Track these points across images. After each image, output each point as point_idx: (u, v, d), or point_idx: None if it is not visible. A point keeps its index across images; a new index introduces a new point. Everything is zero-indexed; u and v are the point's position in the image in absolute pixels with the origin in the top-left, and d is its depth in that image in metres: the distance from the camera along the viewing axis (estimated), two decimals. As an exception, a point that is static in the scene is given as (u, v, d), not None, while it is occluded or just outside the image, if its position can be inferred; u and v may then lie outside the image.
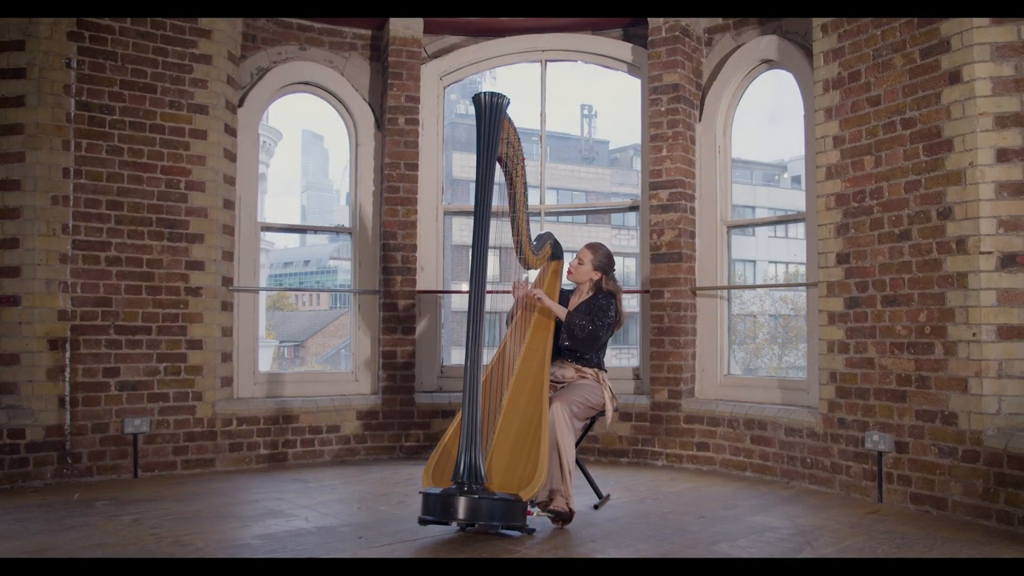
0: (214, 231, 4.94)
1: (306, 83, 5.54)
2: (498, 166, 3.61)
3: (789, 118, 55.04)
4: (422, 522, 3.28)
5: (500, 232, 3.75)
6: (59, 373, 4.48)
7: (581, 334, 3.79)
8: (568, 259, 4.17)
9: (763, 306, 25.30)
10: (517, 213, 3.79)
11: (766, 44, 5.01)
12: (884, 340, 4.07)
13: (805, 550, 3.23)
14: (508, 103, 3.53)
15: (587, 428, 3.95)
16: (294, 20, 5.46)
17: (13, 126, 4.45)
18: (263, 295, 9.13)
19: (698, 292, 5.28)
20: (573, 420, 3.66)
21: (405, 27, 5.51)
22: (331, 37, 5.59)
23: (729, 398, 5.12)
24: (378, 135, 5.65)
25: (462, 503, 3.18)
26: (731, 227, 5.37)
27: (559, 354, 3.92)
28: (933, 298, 3.85)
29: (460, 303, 5.96)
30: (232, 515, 3.81)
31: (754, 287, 25.04)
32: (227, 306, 5.08)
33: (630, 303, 4.96)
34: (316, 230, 31.92)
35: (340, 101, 5.63)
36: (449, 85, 5.88)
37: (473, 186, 3.51)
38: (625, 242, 30.97)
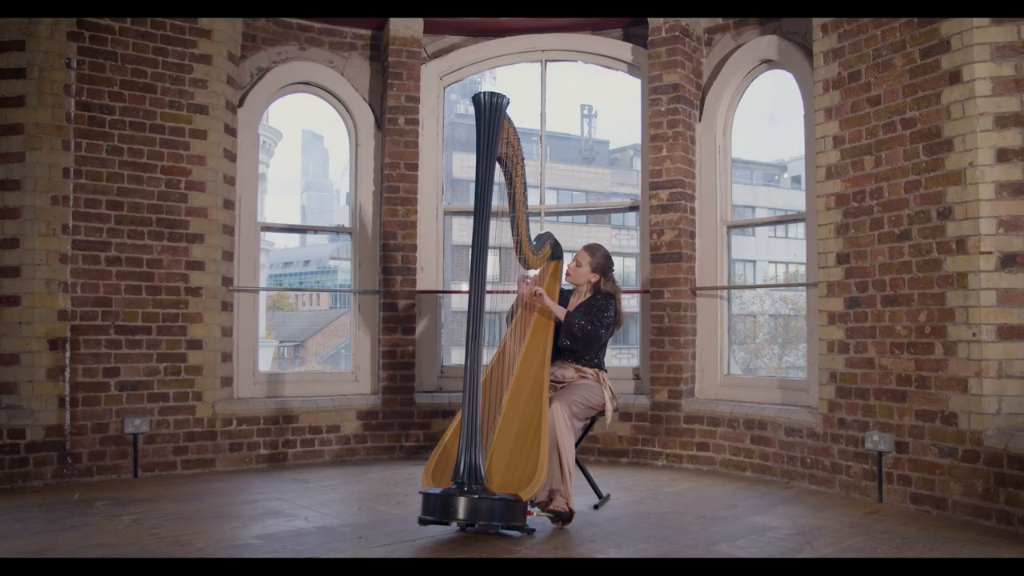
0: (214, 231, 4.94)
1: (306, 83, 5.54)
2: (498, 166, 3.61)
3: (789, 118, 55.12)
4: (422, 522, 3.28)
5: (500, 232, 3.75)
6: (59, 373, 4.48)
7: (580, 334, 3.79)
8: (568, 259, 4.17)
9: (763, 306, 25.30)
10: (517, 213, 3.79)
11: (766, 44, 5.01)
12: (884, 340, 4.07)
13: (805, 550, 3.23)
14: (508, 103, 3.53)
15: (587, 428, 3.95)
16: (294, 20, 5.46)
17: (13, 126, 4.45)
18: (263, 295, 9.13)
19: (698, 292, 5.28)
20: (573, 420, 3.66)
21: (405, 27, 5.51)
22: (331, 37, 5.59)
23: (729, 398, 5.12)
24: (378, 135, 5.65)
25: (462, 503, 3.18)
26: (731, 227, 5.37)
27: (559, 354, 3.92)
28: (933, 298, 3.85)
29: (460, 303, 5.97)
30: (232, 515, 3.81)
31: (754, 287, 25.04)
32: (227, 306, 5.08)
33: (630, 303, 4.97)
34: (316, 230, 31.93)
35: (340, 101, 5.63)
36: (449, 85, 5.88)
37: (473, 186, 3.51)
38: (625, 242, 30.98)
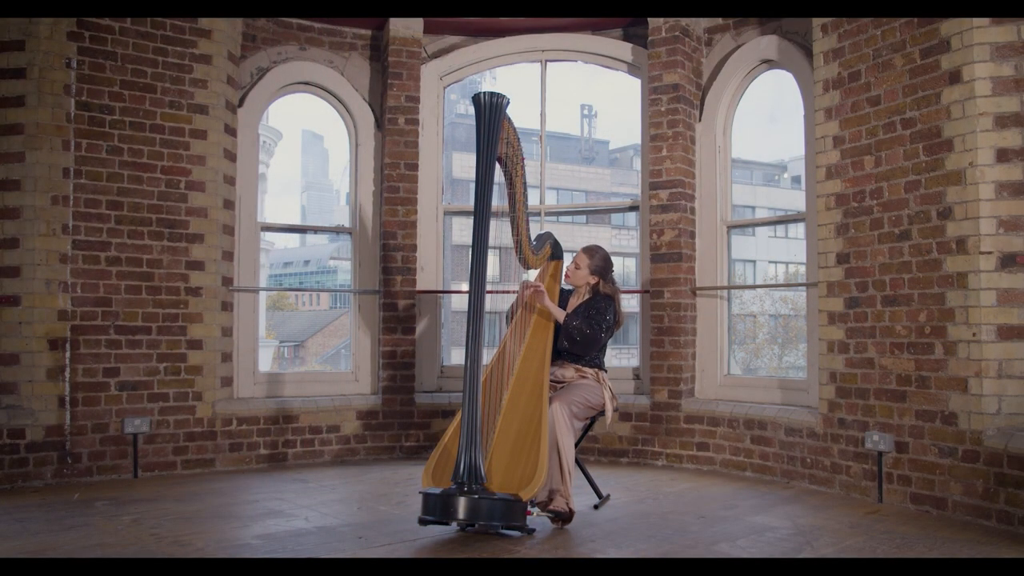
0: (214, 231, 4.94)
1: (306, 83, 5.54)
2: (498, 166, 3.61)
3: (789, 118, 55.12)
4: (422, 522, 3.28)
5: (500, 232, 3.75)
6: (59, 373, 4.48)
7: (579, 337, 3.79)
8: (568, 259, 4.17)
9: (763, 306, 25.30)
10: (517, 213, 3.79)
11: (766, 44, 5.01)
12: (884, 340, 4.07)
13: (805, 550, 3.23)
14: (508, 103, 3.53)
15: (587, 428, 3.95)
16: (294, 20, 5.46)
17: (13, 126, 4.45)
18: (263, 295, 9.13)
19: (698, 292, 5.28)
20: (573, 420, 3.66)
21: (405, 27, 5.51)
22: (331, 37, 5.59)
23: (729, 398, 5.12)
24: (378, 135, 5.65)
25: (462, 503, 3.18)
26: (731, 227, 5.37)
27: (559, 354, 3.91)
28: (933, 298, 3.85)
29: (460, 303, 5.97)
30: (232, 515, 3.81)
31: (754, 287, 25.04)
32: (227, 306, 5.08)
33: (630, 303, 4.97)
34: (316, 230, 31.93)
35: (340, 101, 5.63)
36: (449, 85, 5.87)
37: (473, 186, 3.51)
38: (625, 242, 30.97)
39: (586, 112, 38.92)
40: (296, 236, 44.84)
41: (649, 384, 5.26)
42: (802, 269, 5.10)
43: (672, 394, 5.14)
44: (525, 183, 3.85)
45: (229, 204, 5.11)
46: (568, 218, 19.49)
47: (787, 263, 31.03)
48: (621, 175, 35.49)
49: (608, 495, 4.09)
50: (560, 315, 3.87)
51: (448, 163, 28.30)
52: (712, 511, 3.90)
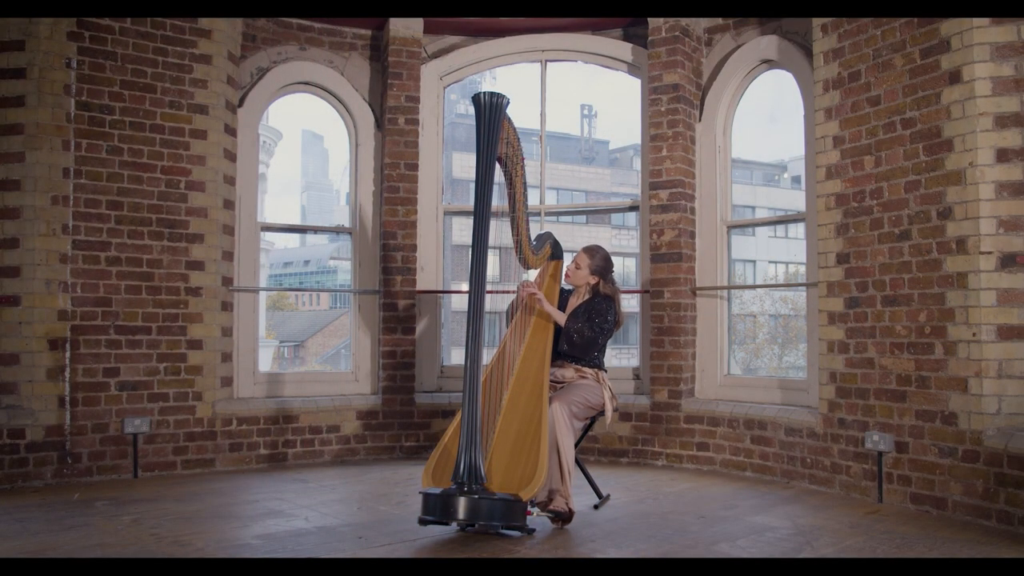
0: (214, 231, 4.94)
1: (306, 83, 5.54)
2: (498, 166, 3.61)
3: (789, 118, 55.10)
4: (422, 522, 3.28)
5: (500, 232, 3.75)
6: (59, 373, 4.48)
7: (579, 340, 3.79)
8: (568, 259, 4.17)
9: (763, 306, 25.30)
10: (517, 213, 3.79)
11: (766, 44, 5.01)
12: (884, 340, 4.07)
13: (805, 550, 3.23)
14: (508, 103, 3.53)
15: (587, 428, 3.95)
16: (294, 20, 5.46)
17: (13, 126, 4.45)
18: (263, 295, 9.13)
19: (698, 292, 5.28)
20: (573, 420, 3.66)
21: (405, 27, 5.51)
22: (331, 37, 5.59)
23: (729, 398, 5.12)
24: (378, 135, 5.65)
25: (462, 503, 3.18)
26: (731, 227, 5.37)
27: (559, 354, 3.91)
28: (933, 298, 3.85)
29: (460, 303, 5.97)
30: (232, 515, 3.81)
31: (754, 287, 25.04)
32: (227, 306, 5.08)
33: (630, 303, 4.97)
34: (316, 230, 31.93)
35: (340, 101, 5.63)
36: (449, 85, 5.88)
37: (473, 186, 3.51)
38: (625, 242, 30.97)
39: (586, 112, 38.93)
40: (296, 236, 44.86)
41: (649, 384, 5.26)
42: (802, 269, 5.10)
43: (672, 394, 5.14)
44: (525, 183, 3.85)
45: (229, 204, 5.11)
46: (568, 218, 19.49)
47: (787, 263, 31.03)
48: (621, 175, 35.49)
49: (608, 495, 4.09)
50: (560, 319, 3.87)
51: (448, 163, 28.30)
52: (712, 511, 3.90)
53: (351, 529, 3.52)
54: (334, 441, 5.29)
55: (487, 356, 3.67)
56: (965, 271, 3.71)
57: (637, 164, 30.27)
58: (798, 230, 28.86)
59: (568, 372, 3.88)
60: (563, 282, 4.13)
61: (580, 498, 3.89)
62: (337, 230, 8.62)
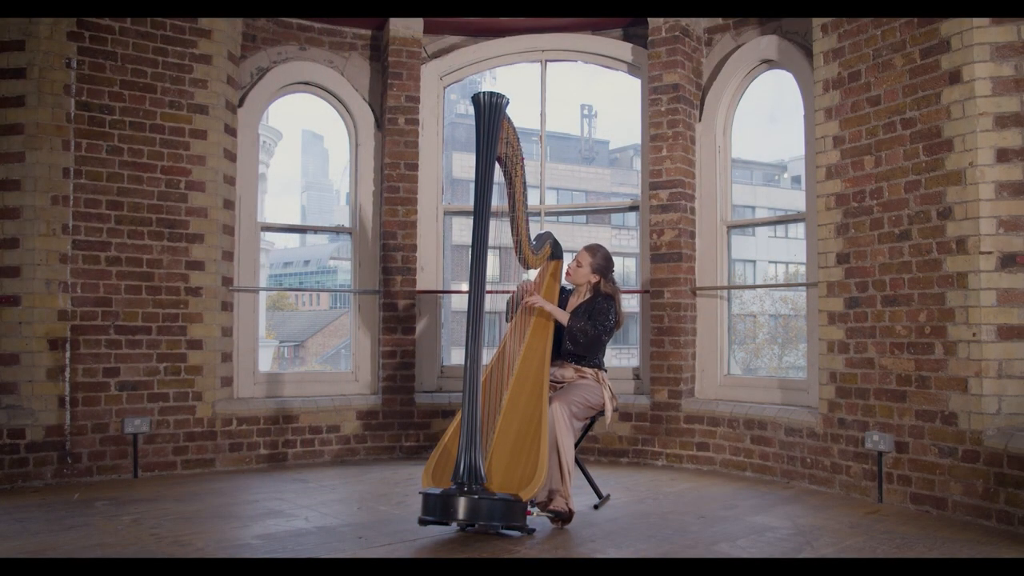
0: (214, 231, 4.94)
1: (306, 83, 5.54)
2: (497, 166, 3.61)
3: (789, 118, 55.11)
4: (422, 522, 3.28)
5: (500, 232, 3.75)
6: (59, 373, 4.48)
7: (583, 339, 3.79)
8: (568, 259, 4.17)
9: (763, 306, 25.30)
10: (516, 213, 3.79)
11: (766, 44, 5.01)
12: (884, 340, 4.07)
13: (805, 550, 3.23)
14: (507, 103, 3.53)
15: (587, 428, 3.95)
16: (294, 20, 5.46)
17: (13, 126, 4.45)
18: (263, 295, 9.13)
19: (698, 292, 5.28)
20: (573, 420, 3.66)
21: (405, 27, 5.51)
22: (331, 37, 5.59)
23: (729, 398, 5.12)
24: (378, 135, 5.65)
25: (462, 503, 3.18)
26: (731, 227, 5.37)
27: (559, 354, 3.91)
28: (933, 298, 3.85)
29: (460, 303, 5.96)
30: (232, 515, 3.81)
31: (754, 287, 25.04)
32: (227, 306, 5.08)
33: (630, 303, 4.97)
34: (316, 230, 31.93)
35: (340, 101, 5.63)
36: (449, 85, 5.88)
37: (473, 186, 3.51)
38: (625, 242, 30.97)
39: (586, 112, 38.93)
40: (296, 236, 44.87)
41: (649, 384, 5.26)
42: (802, 269, 5.10)
43: (672, 394, 5.14)
44: (525, 183, 3.85)
45: (229, 204, 5.11)
46: (568, 218, 19.49)
47: (787, 263, 31.04)
48: (621, 175, 35.49)
49: (608, 495, 4.09)
50: (564, 318, 3.86)
51: (448, 163, 28.30)
52: (712, 511, 3.90)
53: (351, 529, 3.52)
54: (334, 441, 5.29)
55: (487, 356, 3.67)
56: (965, 271, 3.71)
57: (637, 164, 30.27)
58: (798, 230, 28.87)
59: (568, 372, 3.88)
60: (564, 280, 4.13)
61: (580, 498, 3.89)
62: (337, 230, 8.62)
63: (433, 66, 5.69)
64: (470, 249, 3.42)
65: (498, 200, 3.64)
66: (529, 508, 3.33)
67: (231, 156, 5.13)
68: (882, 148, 4.10)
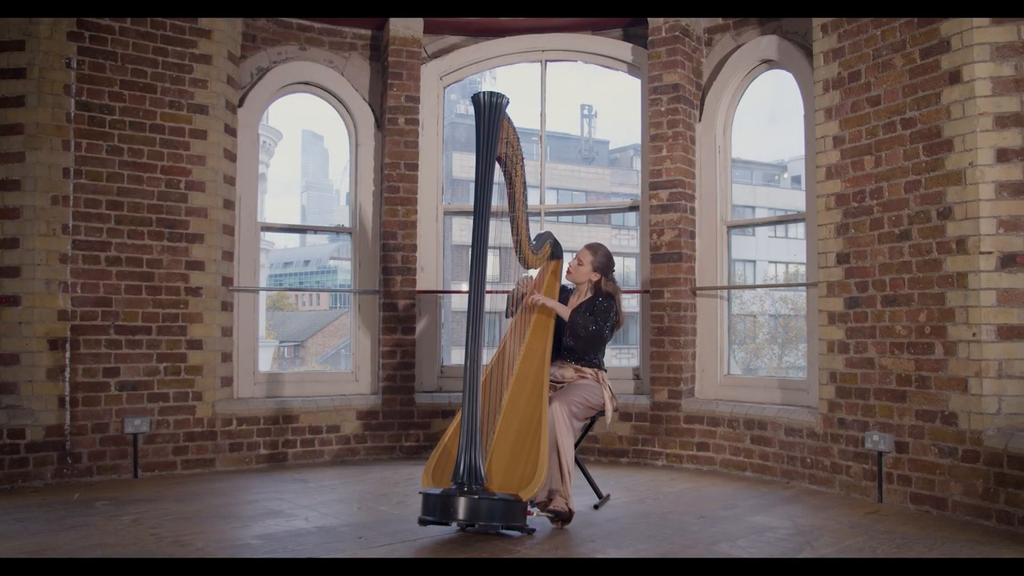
0: (214, 231, 4.94)
1: (306, 83, 5.54)
2: (497, 166, 3.61)
3: (789, 118, 55.12)
4: (422, 522, 3.28)
5: (500, 232, 3.75)
6: (59, 373, 4.48)
7: (584, 333, 3.79)
8: (568, 259, 4.17)
9: (763, 306, 25.30)
10: (516, 213, 3.79)
11: (766, 44, 5.01)
12: (884, 340, 4.07)
13: (805, 550, 3.23)
14: (507, 103, 3.53)
15: (587, 428, 3.95)
16: (294, 20, 5.46)
17: (13, 126, 4.45)
18: (263, 295, 9.13)
19: (698, 292, 5.28)
20: (572, 420, 3.66)
21: (405, 27, 5.51)
22: (331, 37, 5.59)
23: (729, 398, 5.12)
24: (378, 135, 5.65)
25: (462, 503, 3.18)
26: (731, 227, 5.37)
27: (559, 354, 3.92)
28: (933, 298, 3.85)
29: (460, 303, 5.96)
30: (232, 515, 3.81)
31: (754, 287, 25.04)
32: (227, 306, 5.08)
33: (630, 303, 4.96)
34: (316, 230, 31.93)
35: (340, 101, 5.63)
36: (449, 85, 5.88)
37: (473, 186, 3.51)
38: (625, 242, 30.97)
39: (586, 112, 38.94)
40: (296, 236, 44.87)
41: (649, 384, 5.26)
42: (802, 269, 5.10)
43: (672, 394, 5.14)
44: (525, 183, 3.85)
45: (229, 204, 5.11)
46: (568, 218, 19.49)
47: (787, 263, 31.04)
48: (621, 175, 35.50)
49: (608, 495, 4.09)
50: (565, 312, 3.86)
51: (448, 163, 28.30)
52: (712, 511, 3.90)
53: (351, 529, 3.52)
54: (334, 441, 5.29)
55: (487, 356, 3.67)
56: (965, 271, 3.71)
57: (637, 164, 30.27)
58: (798, 230, 28.87)
59: (568, 372, 3.88)
60: (565, 279, 4.13)
61: (580, 498, 3.89)
62: (337, 230, 8.62)
63: (433, 66, 5.69)
64: (470, 249, 3.42)
65: (498, 200, 3.64)
66: (529, 508, 3.33)
67: (231, 156, 5.13)
68: (882, 148, 4.10)
